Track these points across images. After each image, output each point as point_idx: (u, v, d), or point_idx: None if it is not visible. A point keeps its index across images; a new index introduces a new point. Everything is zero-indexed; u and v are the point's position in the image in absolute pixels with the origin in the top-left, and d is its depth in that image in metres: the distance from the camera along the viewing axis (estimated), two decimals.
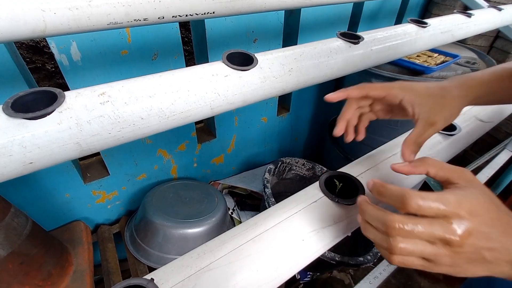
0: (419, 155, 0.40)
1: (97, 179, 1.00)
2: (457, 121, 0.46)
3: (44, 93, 0.31)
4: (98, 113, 0.31)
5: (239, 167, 1.41)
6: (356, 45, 0.53)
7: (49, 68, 1.23)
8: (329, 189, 0.37)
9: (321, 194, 0.32)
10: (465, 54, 1.12)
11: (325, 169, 1.26)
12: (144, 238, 0.92)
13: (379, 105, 0.38)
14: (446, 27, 0.70)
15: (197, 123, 1.28)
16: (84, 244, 0.94)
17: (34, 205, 0.92)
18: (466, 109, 0.50)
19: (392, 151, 0.40)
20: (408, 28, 0.63)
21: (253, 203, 1.26)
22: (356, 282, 1.26)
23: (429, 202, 0.23)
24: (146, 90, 0.35)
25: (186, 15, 0.51)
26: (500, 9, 0.96)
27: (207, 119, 1.30)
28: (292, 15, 1.13)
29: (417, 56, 1.04)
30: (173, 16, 0.50)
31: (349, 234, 0.33)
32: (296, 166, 1.28)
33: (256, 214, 1.10)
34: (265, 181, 1.05)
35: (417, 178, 0.39)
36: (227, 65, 0.41)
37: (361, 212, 0.25)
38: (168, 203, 1.00)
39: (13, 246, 0.70)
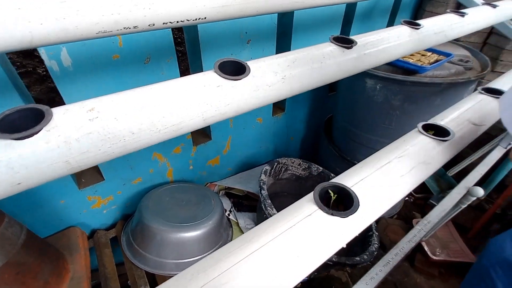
0: (411, 163, 0.41)
1: (92, 184, 0.99)
2: (450, 126, 0.46)
3: (30, 111, 0.30)
4: (87, 130, 0.30)
5: (235, 168, 1.41)
6: (349, 49, 0.52)
7: (40, 72, 1.21)
8: (324, 200, 0.36)
9: (315, 207, 0.32)
10: (458, 51, 1.13)
11: (321, 168, 1.26)
12: (141, 243, 0.91)
13: None
14: (439, 28, 0.70)
15: None
16: (81, 250, 0.93)
17: (29, 213, 0.91)
18: (459, 112, 0.51)
19: (386, 158, 0.40)
20: (401, 30, 0.63)
21: (250, 204, 1.26)
22: (353, 280, 1.27)
23: None
24: (136, 104, 0.34)
25: (177, 22, 0.50)
26: (495, 6, 0.96)
27: None
28: (285, 16, 1.12)
29: (411, 55, 1.04)
30: (163, 23, 0.49)
31: (344, 246, 0.33)
32: (292, 166, 1.28)
33: (253, 215, 1.09)
34: (261, 183, 1.05)
35: (408, 187, 0.39)
36: (219, 74, 0.41)
37: None
38: (164, 206, 0.99)
39: (8, 256, 0.69)
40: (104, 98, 0.34)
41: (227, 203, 1.23)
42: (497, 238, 0.66)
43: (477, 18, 0.85)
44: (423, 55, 1.03)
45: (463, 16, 0.81)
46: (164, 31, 0.86)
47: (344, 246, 0.33)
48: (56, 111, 0.31)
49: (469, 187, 0.93)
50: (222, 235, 1.02)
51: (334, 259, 0.88)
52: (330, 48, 0.51)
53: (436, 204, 0.96)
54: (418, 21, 0.68)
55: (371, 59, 0.56)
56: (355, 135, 1.21)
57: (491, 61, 1.14)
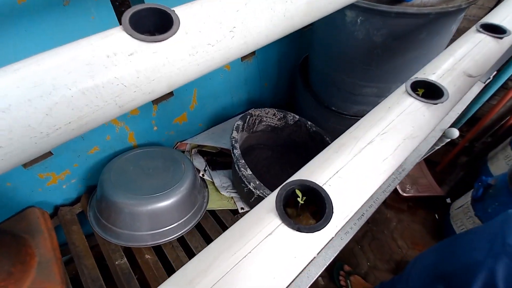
0: (397, 140, 0.33)
1: (39, 161, 0.87)
2: (444, 81, 0.38)
3: None
4: None
5: (206, 123, 1.30)
6: None
7: None
8: (290, 200, 0.29)
9: (278, 221, 0.25)
10: None
11: (298, 117, 1.19)
12: (108, 218, 0.85)
13: None
14: None
15: None
16: (44, 232, 0.87)
17: None
18: (455, 60, 0.41)
19: (368, 137, 0.31)
20: None
21: (225, 161, 1.20)
22: None
23: None
24: None
25: None
26: None
27: None
28: None
29: None
30: None
31: (316, 256, 0.27)
32: (266, 117, 1.19)
33: (228, 172, 1.04)
34: (233, 141, 0.97)
35: (390, 171, 0.32)
36: (131, 34, 0.27)
37: None
38: (129, 177, 0.91)
39: None
40: None
41: (200, 162, 1.16)
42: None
43: None
44: None
45: None
46: None
47: (315, 256, 0.27)
48: None
49: (444, 129, 0.90)
50: (197, 198, 0.98)
51: None
52: None
53: None
54: None
55: None
56: (333, 78, 1.10)
57: None
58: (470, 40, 0.46)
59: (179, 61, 0.29)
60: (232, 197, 1.07)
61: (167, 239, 0.87)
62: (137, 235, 0.85)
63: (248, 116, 1.11)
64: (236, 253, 0.23)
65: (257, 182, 0.86)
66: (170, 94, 1.07)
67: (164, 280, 0.23)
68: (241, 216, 1.04)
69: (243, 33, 0.33)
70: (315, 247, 0.25)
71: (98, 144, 0.98)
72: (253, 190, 0.86)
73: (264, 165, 1.24)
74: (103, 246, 0.87)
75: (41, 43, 0.68)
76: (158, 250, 0.89)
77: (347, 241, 0.69)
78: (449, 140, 0.90)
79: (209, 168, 1.16)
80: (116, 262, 0.83)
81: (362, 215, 0.74)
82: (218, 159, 1.20)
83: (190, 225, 0.92)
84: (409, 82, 0.37)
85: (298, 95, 1.40)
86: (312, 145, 1.20)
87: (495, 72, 1.18)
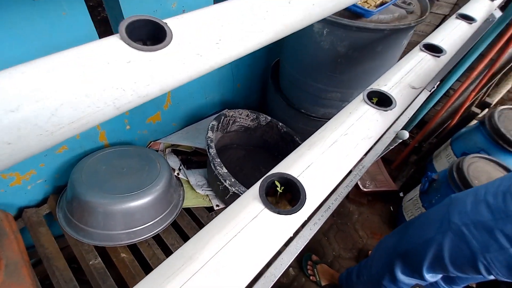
0: (356, 139, 0.40)
1: None
2: (393, 91, 0.46)
3: None
4: None
5: (180, 122, 1.31)
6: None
7: None
8: (270, 189, 0.34)
9: (261, 206, 0.30)
10: None
11: (269, 118, 1.25)
12: (81, 219, 0.84)
13: None
14: None
15: None
16: (9, 235, 0.82)
17: None
18: (401, 75, 0.50)
19: (333, 137, 0.38)
20: None
21: (199, 160, 1.23)
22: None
23: None
24: (2, 101, 0.24)
25: None
26: None
27: None
28: None
29: None
30: None
31: (291, 235, 0.33)
32: (240, 118, 1.24)
33: (203, 171, 1.07)
34: (209, 140, 1.00)
35: (351, 165, 0.38)
36: (128, 43, 0.30)
37: None
38: (102, 177, 0.90)
39: None
40: None
41: (175, 161, 1.17)
42: (458, 196, 0.79)
43: None
44: None
45: None
46: None
47: (292, 235, 0.32)
48: None
49: (397, 131, 1.02)
50: (173, 197, 1.00)
51: None
52: None
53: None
54: None
55: (320, 11, 0.49)
56: (302, 83, 1.19)
57: (429, 1, 1.14)
58: (415, 58, 0.55)
59: (171, 69, 0.33)
60: (207, 195, 1.10)
61: (143, 237, 0.88)
62: (112, 234, 0.84)
63: (223, 117, 1.15)
64: (228, 233, 0.28)
65: (233, 180, 0.90)
66: None
67: (142, 278, 0.26)
68: (217, 213, 1.08)
69: (227, 45, 0.38)
70: (292, 227, 0.30)
71: (67, 143, 0.95)
72: (229, 188, 0.90)
73: (238, 164, 1.29)
74: (75, 247, 0.85)
75: (7, 38, 0.66)
76: (133, 248, 0.90)
77: (315, 231, 0.77)
78: (401, 140, 1.02)
79: (184, 167, 1.17)
80: (90, 262, 0.82)
81: (329, 207, 0.82)
82: (193, 158, 1.22)
83: (166, 223, 0.94)
84: (366, 92, 0.45)
85: (270, 97, 1.47)
86: (283, 145, 1.28)
87: (438, 82, 1.35)
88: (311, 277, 1.29)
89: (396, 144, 1.05)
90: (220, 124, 1.15)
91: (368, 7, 0.91)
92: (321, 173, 0.34)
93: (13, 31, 0.66)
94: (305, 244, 0.75)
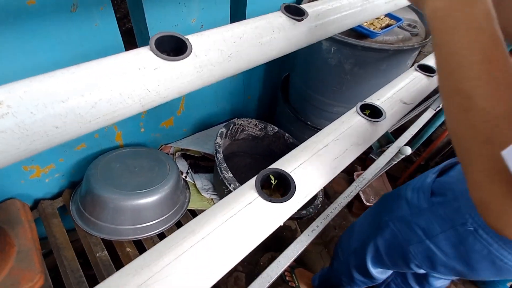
0: (345, 145, 0.44)
1: None
2: (385, 105, 0.51)
3: None
4: None
5: (191, 128, 1.38)
6: (300, 22, 0.50)
7: None
8: (266, 183, 0.39)
9: (256, 194, 0.35)
10: (409, 15, 1.16)
11: (277, 128, 1.31)
12: (92, 212, 0.89)
13: None
14: None
15: None
16: (24, 223, 0.89)
17: None
18: (394, 91, 0.55)
19: (325, 141, 0.43)
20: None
21: (207, 165, 1.28)
22: (301, 227, 1.45)
23: None
24: (55, 94, 0.30)
25: None
26: None
27: None
28: None
29: None
30: None
31: (282, 224, 0.37)
32: (248, 127, 1.30)
33: (210, 176, 1.12)
34: (217, 146, 1.06)
35: (339, 168, 0.43)
36: (156, 54, 0.37)
37: None
38: (115, 174, 0.96)
39: None
40: (15, 86, 0.29)
41: (183, 165, 1.23)
42: (388, 194, 0.87)
43: None
44: (376, 18, 1.04)
45: None
46: None
47: (282, 224, 0.37)
48: None
49: (400, 147, 1.06)
50: (180, 198, 1.05)
51: None
52: (280, 20, 0.49)
53: (376, 158, 1.09)
54: None
55: (322, 32, 0.55)
56: (310, 96, 1.25)
57: None
58: (409, 77, 0.60)
59: (189, 76, 0.39)
60: (212, 199, 1.14)
61: (148, 234, 0.92)
62: (120, 228, 0.89)
63: (232, 125, 1.21)
64: (225, 215, 0.32)
65: (237, 184, 0.95)
66: None
67: None
68: None
69: (237, 58, 0.44)
70: (282, 215, 0.35)
71: (86, 141, 1.03)
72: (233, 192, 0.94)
73: (243, 171, 1.33)
74: (84, 239, 0.90)
75: (46, 45, 0.74)
76: (139, 244, 0.94)
77: (313, 237, 0.79)
78: (403, 156, 1.05)
79: (192, 170, 1.23)
80: (97, 254, 0.87)
81: (327, 216, 0.85)
82: (200, 163, 1.28)
83: (171, 222, 0.98)
84: (359, 104, 0.50)
85: (278, 109, 1.53)
86: None
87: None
88: (289, 283, 1.30)
89: (399, 159, 1.07)
90: (229, 132, 1.21)
91: (373, 29, 0.98)
92: (310, 171, 0.38)
93: (51, 40, 0.74)
94: (303, 249, 0.77)
